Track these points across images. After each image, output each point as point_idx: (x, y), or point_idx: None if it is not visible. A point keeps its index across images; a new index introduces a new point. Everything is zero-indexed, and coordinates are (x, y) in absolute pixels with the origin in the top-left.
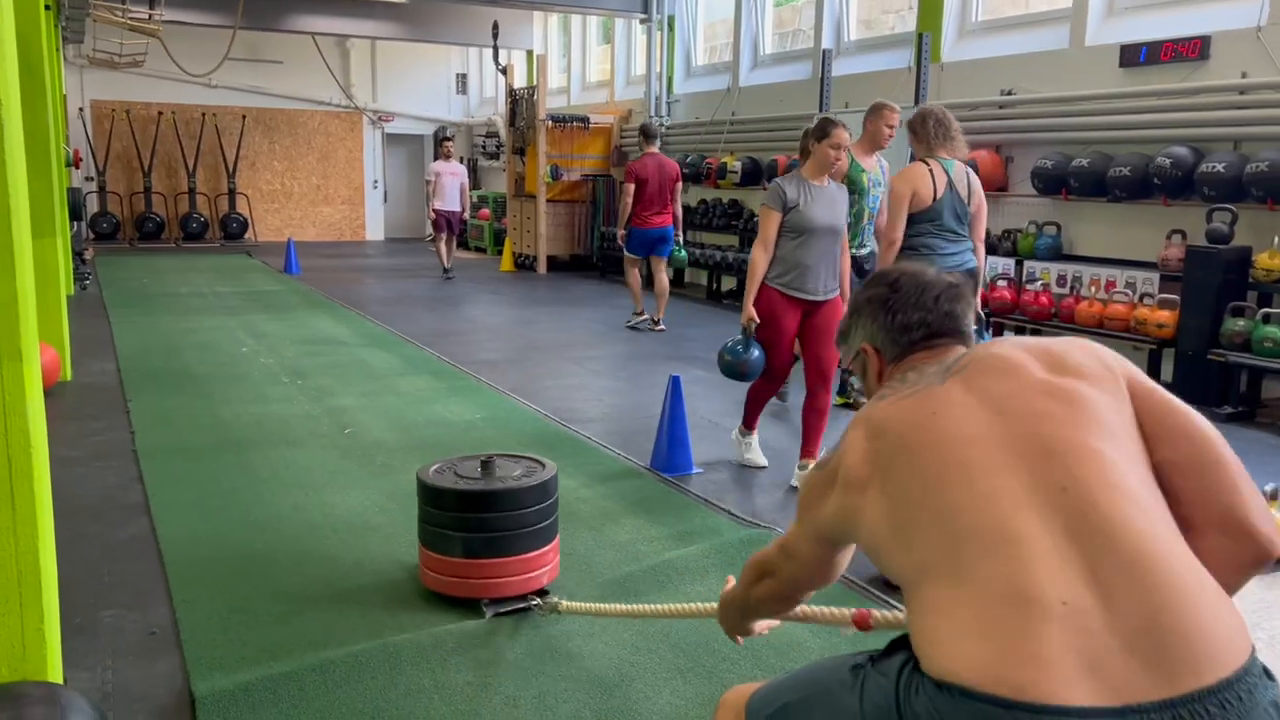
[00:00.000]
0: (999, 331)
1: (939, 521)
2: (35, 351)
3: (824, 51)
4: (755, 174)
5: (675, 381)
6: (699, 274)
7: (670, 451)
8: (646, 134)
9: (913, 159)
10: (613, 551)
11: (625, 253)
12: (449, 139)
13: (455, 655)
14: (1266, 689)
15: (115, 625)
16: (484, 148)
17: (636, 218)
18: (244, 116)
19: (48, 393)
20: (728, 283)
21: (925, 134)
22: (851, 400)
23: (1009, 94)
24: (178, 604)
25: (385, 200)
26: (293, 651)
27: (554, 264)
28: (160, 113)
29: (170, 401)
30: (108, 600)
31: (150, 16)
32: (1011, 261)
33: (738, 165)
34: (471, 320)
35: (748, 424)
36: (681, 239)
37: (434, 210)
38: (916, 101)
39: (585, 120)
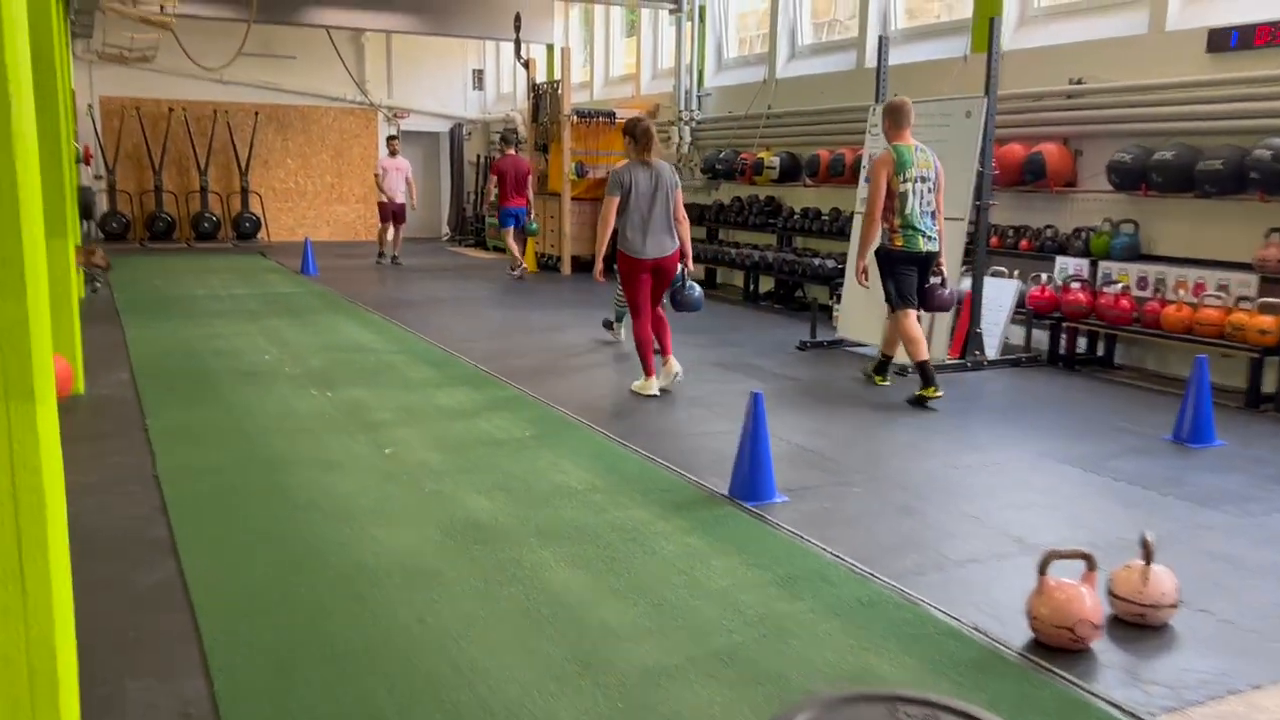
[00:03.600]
0: (1072, 337)
1: None
2: (51, 389)
3: (880, 39)
4: (794, 169)
5: (757, 399)
6: (734, 275)
7: (753, 476)
8: (506, 141)
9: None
10: (710, 603)
11: (499, 226)
12: (394, 138)
13: None
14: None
15: (145, 700)
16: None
17: (501, 199)
18: (256, 113)
19: (58, 407)
20: (765, 284)
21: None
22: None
23: (1078, 83)
24: (214, 672)
25: None
26: None
27: (578, 264)
28: (171, 109)
29: (191, 416)
30: (135, 666)
31: (162, 8)
32: (1085, 262)
33: (775, 160)
34: (500, 324)
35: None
36: (531, 217)
37: (379, 201)
38: (986, 91)
39: (611, 115)
